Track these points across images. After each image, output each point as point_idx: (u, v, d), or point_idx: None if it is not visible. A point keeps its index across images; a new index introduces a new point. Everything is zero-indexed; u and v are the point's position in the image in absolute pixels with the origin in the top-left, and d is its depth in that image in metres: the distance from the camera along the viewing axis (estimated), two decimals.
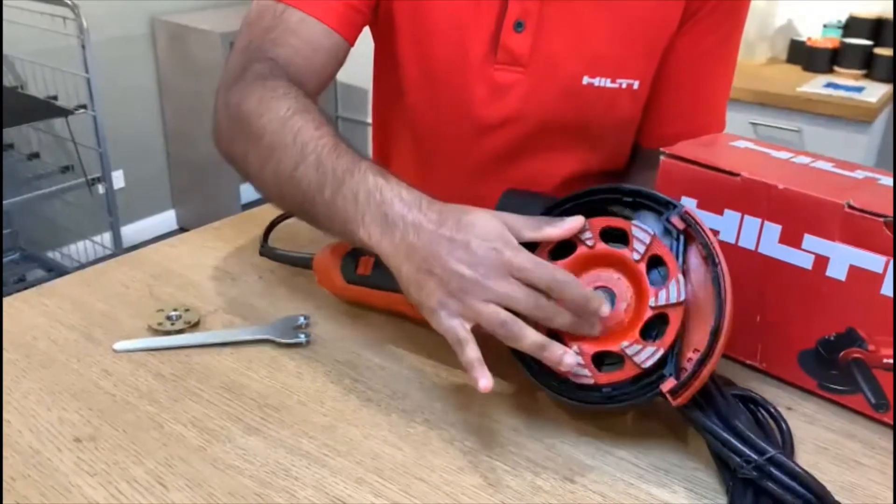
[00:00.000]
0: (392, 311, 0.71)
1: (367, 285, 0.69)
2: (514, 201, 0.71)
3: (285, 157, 0.65)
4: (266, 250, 0.81)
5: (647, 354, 0.55)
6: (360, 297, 0.72)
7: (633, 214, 0.59)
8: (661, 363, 0.55)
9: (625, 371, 0.56)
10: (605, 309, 0.56)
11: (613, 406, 0.56)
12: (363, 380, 0.64)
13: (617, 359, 0.56)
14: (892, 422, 0.60)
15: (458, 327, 0.56)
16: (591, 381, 0.56)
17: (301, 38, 0.78)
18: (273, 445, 0.56)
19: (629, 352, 0.55)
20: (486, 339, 0.56)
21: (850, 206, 0.57)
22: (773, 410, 0.59)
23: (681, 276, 0.55)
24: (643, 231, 0.57)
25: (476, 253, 0.55)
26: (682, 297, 0.55)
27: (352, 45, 0.83)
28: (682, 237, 0.57)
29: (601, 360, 0.57)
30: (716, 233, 0.63)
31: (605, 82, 0.82)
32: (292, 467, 0.54)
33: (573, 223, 0.58)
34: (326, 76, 0.82)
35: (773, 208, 0.60)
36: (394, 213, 0.58)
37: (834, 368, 0.61)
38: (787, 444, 0.57)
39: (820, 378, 0.62)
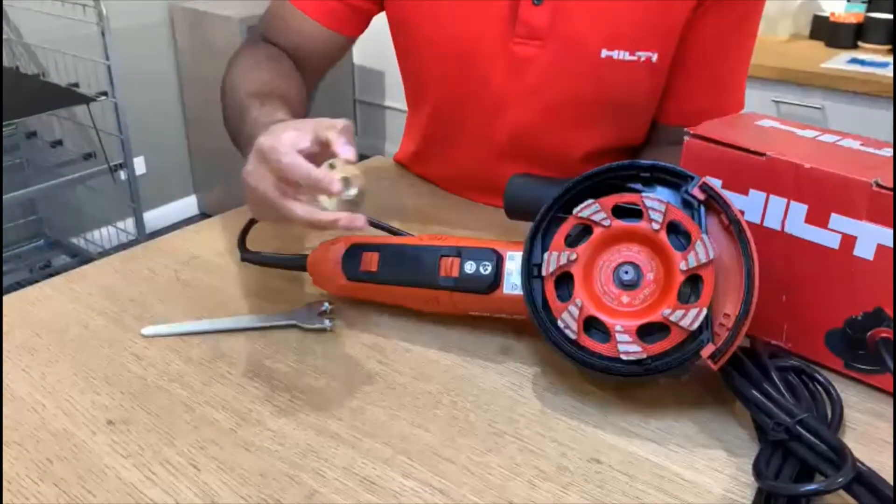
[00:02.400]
0: (400, 306, 0.70)
1: (374, 281, 0.68)
2: (523, 185, 0.70)
3: (229, 106, 0.80)
4: (249, 256, 0.76)
5: (691, 317, 0.55)
6: (365, 295, 0.70)
7: (650, 189, 0.59)
8: (705, 324, 0.55)
9: (671, 338, 0.56)
10: (336, 186, 0.56)
11: (655, 376, 0.56)
12: (389, 363, 0.64)
13: (659, 328, 0.56)
14: None
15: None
16: (644, 355, 0.56)
17: (295, 31, 0.89)
18: (303, 427, 0.57)
19: (673, 318, 0.55)
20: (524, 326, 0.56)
21: (878, 185, 0.56)
22: (821, 378, 0.60)
23: (705, 236, 0.56)
24: (655, 200, 0.57)
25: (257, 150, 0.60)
26: (712, 255, 0.55)
27: (351, 36, 0.92)
28: (702, 207, 0.57)
29: (643, 335, 0.57)
30: (741, 213, 0.63)
31: (623, 55, 0.82)
32: (322, 449, 0.55)
33: (321, 174, 0.57)
34: (321, 66, 0.92)
35: (799, 188, 0.60)
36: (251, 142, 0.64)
37: (861, 348, 0.61)
38: (836, 411, 0.57)
39: (847, 358, 0.62)
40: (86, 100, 2.19)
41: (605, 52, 0.82)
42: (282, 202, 0.57)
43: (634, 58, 0.82)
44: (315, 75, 0.92)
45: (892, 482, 0.49)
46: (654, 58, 0.83)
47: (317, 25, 0.87)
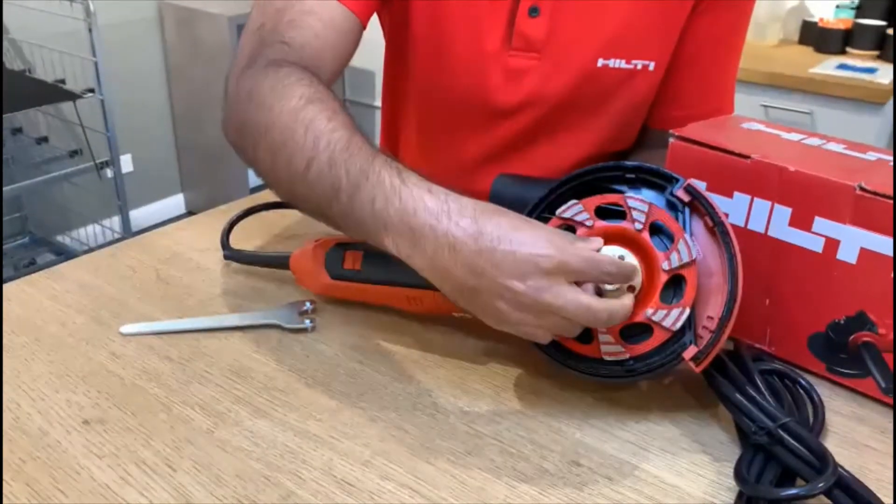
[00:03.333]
0: (382, 306, 0.69)
1: (357, 280, 0.67)
2: (508, 186, 0.70)
3: (297, 154, 0.60)
4: (232, 254, 0.75)
5: (673, 317, 0.55)
6: (348, 294, 0.69)
7: (635, 191, 0.59)
8: (687, 325, 0.55)
9: (654, 339, 0.55)
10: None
11: (637, 378, 0.56)
12: (369, 364, 0.64)
13: (642, 329, 0.56)
14: None
15: (534, 335, 0.55)
16: (626, 356, 0.56)
17: (318, 19, 0.75)
18: (281, 428, 0.56)
19: (656, 318, 0.55)
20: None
21: (862, 189, 0.56)
22: (803, 382, 0.60)
23: (688, 237, 0.55)
24: (638, 201, 0.57)
25: (524, 262, 0.51)
26: (695, 255, 0.55)
27: (365, 27, 0.82)
28: (686, 209, 0.57)
29: (626, 336, 0.56)
30: (725, 216, 0.63)
31: (619, 63, 0.82)
32: (300, 450, 0.54)
33: (596, 243, 0.55)
34: (344, 59, 0.78)
35: (783, 191, 0.60)
36: (419, 224, 0.53)
37: (844, 352, 0.61)
38: (818, 415, 0.57)
39: (829, 362, 0.62)
40: (72, 96, 2.18)
41: (601, 62, 0.81)
42: (612, 300, 0.53)
43: (630, 66, 0.82)
44: (328, 82, 0.78)
45: (870, 486, 0.49)
46: (651, 66, 0.83)
47: (345, 12, 0.77)
